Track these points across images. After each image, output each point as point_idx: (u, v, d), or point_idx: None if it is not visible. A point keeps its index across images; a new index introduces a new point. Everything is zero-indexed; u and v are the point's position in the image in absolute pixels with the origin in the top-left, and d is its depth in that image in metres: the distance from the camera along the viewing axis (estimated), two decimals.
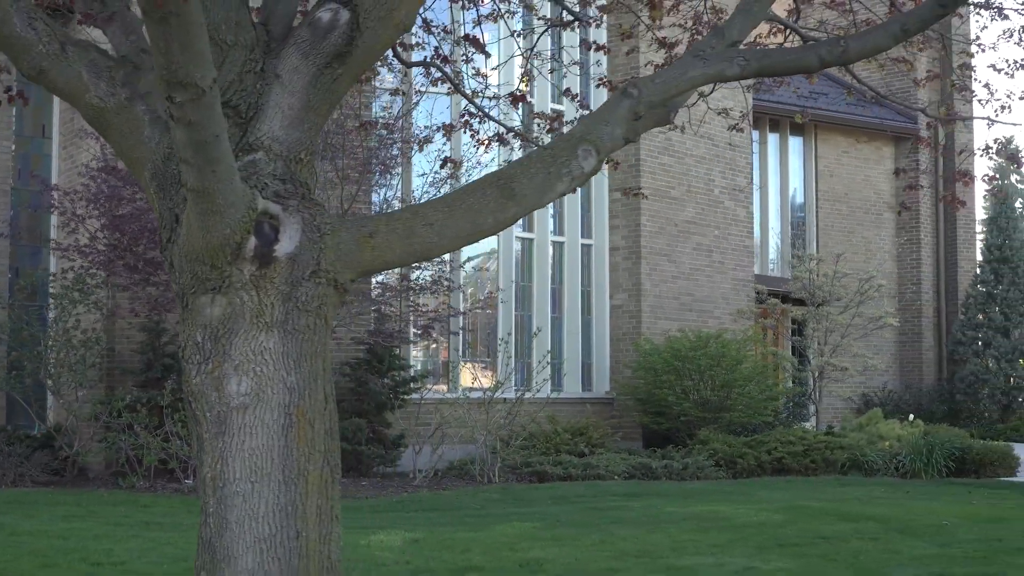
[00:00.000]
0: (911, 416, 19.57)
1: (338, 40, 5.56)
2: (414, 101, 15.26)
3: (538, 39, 8.34)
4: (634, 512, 12.66)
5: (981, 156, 10.29)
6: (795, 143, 25.88)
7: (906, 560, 10.39)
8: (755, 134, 25.17)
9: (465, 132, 8.86)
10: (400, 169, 16.22)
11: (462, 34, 8.95)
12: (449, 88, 8.57)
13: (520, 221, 19.07)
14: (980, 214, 28.81)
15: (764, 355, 19.65)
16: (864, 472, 16.91)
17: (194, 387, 5.34)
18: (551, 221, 19.79)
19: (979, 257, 26.30)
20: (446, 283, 16.18)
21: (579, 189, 19.74)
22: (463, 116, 7.91)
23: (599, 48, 8.03)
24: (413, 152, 15.60)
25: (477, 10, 8.78)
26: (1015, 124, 8.68)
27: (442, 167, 8.74)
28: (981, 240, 26.59)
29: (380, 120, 14.51)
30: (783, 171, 25.62)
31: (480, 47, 7.75)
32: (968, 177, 10.34)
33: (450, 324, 17.81)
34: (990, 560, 10.42)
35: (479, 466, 15.78)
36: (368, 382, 15.97)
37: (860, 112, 26.29)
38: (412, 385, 16.62)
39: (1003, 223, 25.05)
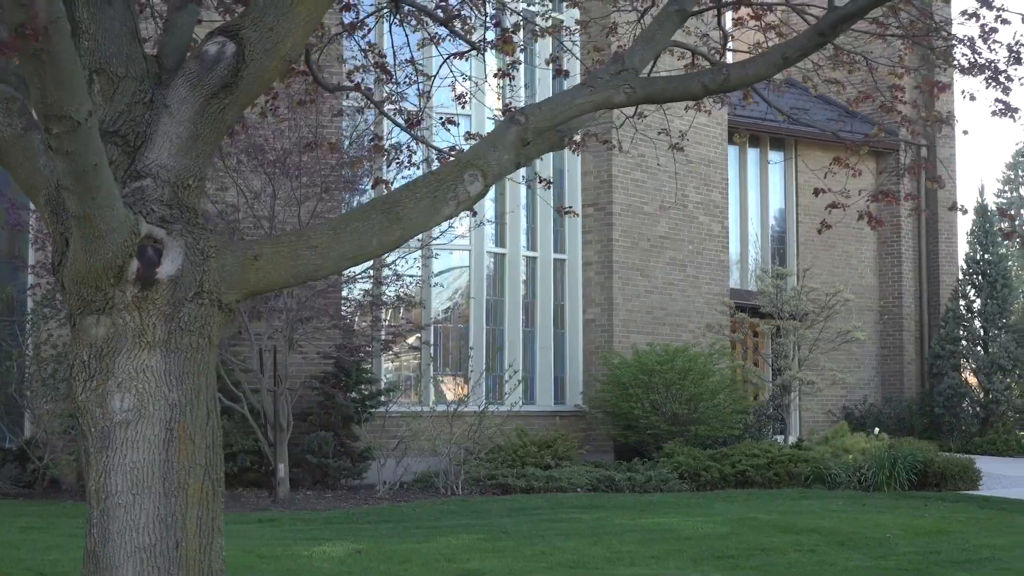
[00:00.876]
0: (876, 429, 19.74)
1: (224, 72, 5.80)
2: (371, 121, 15.53)
3: (438, 69, 8.58)
4: (584, 524, 12.86)
5: (903, 176, 10.49)
6: (776, 158, 26.09)
7: (839, 572, 10.61)
8: (735, 149, 25.42)
9: (397, 154, 9.16)
10: (367, 184, 16.47)
11: (406, 59, 9.26)
12: (393, 110, 8.88)
13: (492, 236, 19.44)
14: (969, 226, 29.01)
15: (733, 369, 19.82)
16: (828, 485, 17.08)
17: (80, 404, 5.60)
18: (523, 236, 20.02)
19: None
20: (406, 299, 16.46)
21: (554, 205, 20.00)
22: (372, 140, 8.16)
23: (504, 75, 8.31)
24: (386, 166, 15.92)
25: (407, 35, 9.04)
26: (924, 144, 8.90)
27: (373, 187, 8.99)
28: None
29: (336, 139, 14.76)
30: (763, 185, 25.84)
31: (388, 73, 7.99)
32: (892, 196, 10.53)
33: (422, 336, 18.09)
34: (923, 572, 10.64)
35: (443, 479, 16.01)
36: (335, 396, 16.22)
37: (841, 127, 26.53)
38: (380, 399, 16.88)
39: (982, 237, 25.21)
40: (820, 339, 20.56)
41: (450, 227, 18.19)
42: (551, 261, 20.19)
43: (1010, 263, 25.44)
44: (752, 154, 25.75)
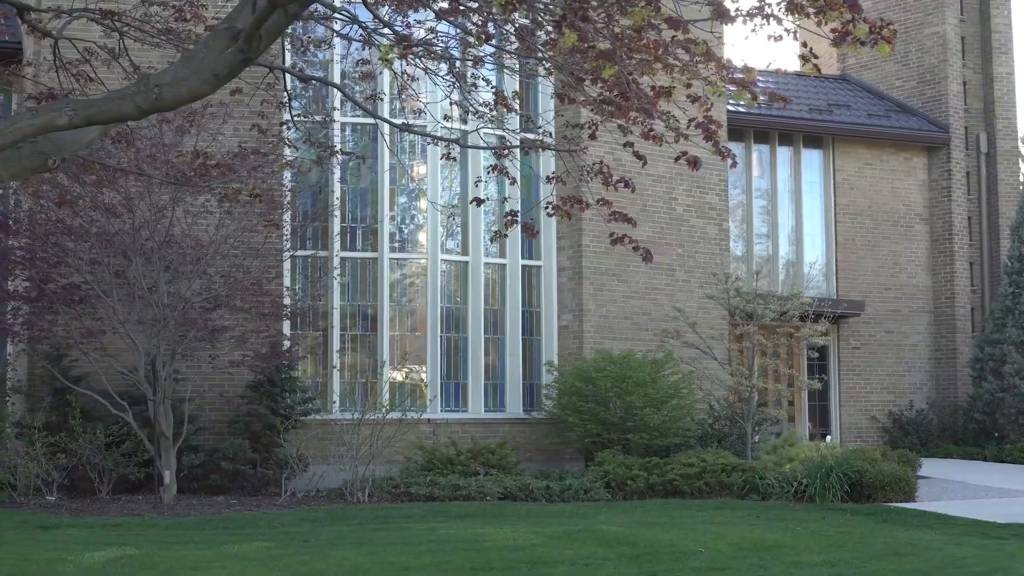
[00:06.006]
0: (828, 438, 18.91)
1: None
2: None
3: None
4: (409, 533, 12.87)
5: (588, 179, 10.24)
6: (810, 157, 25.25)
7: None
8: (764, 148, 24.77)
9: None
10: None
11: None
12: None
13: (451, 244, 19.51)
14: None
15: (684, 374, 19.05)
16: (762, 496, 16.53)
17: None
18: (493, 244, 20.02)
19: None
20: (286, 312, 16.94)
21: (523, 212, 19.93)
22: None
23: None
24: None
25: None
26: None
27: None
28: None
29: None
30: (796, 186, 25.02)
31: None
32: (583, 204, 10.27)
33: (380, 342, 18.35)
34: None
35: (348, 487, 16.21)
36: (256, 404, 16.66)
37: (885, 123, 25.54)
38: (310, 405, 17.24)
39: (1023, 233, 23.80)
40: (782, 344, 19.76)
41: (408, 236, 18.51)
42: (519, 267, 20.10)
43: None
44: (783, 153, 24.99)
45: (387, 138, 16.35)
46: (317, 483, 16.77)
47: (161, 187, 14.39)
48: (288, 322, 17.69)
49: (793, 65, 36.42)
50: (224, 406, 17.20)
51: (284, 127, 11.06)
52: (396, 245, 19.32)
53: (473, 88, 10.88)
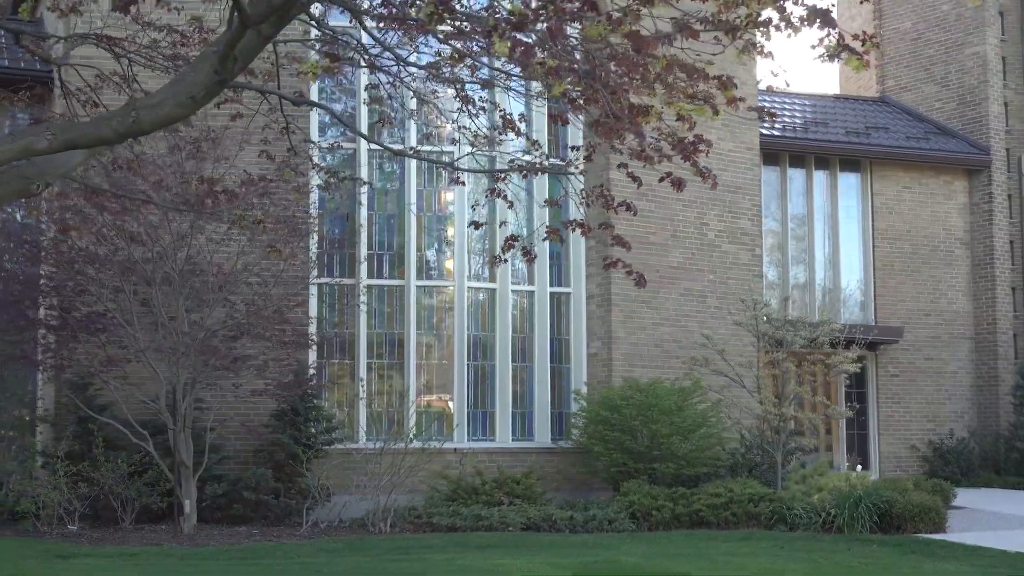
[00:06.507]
0: (859, 467, 18.52)
1: None
2: None
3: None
4: (422, 564, 12.72)
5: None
6: (847, 180, 24.90)
7: None
8: (800, 172, 24.46)
9: None
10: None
11: None
12: None
13: (477, 272, 19.37)
14: None
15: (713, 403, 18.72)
16: (790, 527, 16.21)
17: None
18: (522, 271, 19.86)
19: None
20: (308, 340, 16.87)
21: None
22: None
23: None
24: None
25: None
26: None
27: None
28: None
29: None
30: (833, 210, 24.68)
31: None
32: (585, 228, 10.06)
33: (409, 373, 18.25)
34: None
35: (370, 517, 16.08)
36: (279, 433, 16.57)
37: (924, 145, 25.18)
38: (333, 435, 17.12)
39: None
40: (817, 372, 19.39)
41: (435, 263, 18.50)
42: (548, 295, 19.92)
43: None
44: (819, 176, 24.67)
45: (397, 162, 16.24)
46: (340, 513, 16.64)
47: (181, 214, 14.37)
48: (313, 350, 17.60)
49: (832, 87, 35.92)
50: (248, 435, 17.14)
51: (290, 153, 10.98)
52: (424, 273, 19.23)
53: (482, 112, 10.75)
